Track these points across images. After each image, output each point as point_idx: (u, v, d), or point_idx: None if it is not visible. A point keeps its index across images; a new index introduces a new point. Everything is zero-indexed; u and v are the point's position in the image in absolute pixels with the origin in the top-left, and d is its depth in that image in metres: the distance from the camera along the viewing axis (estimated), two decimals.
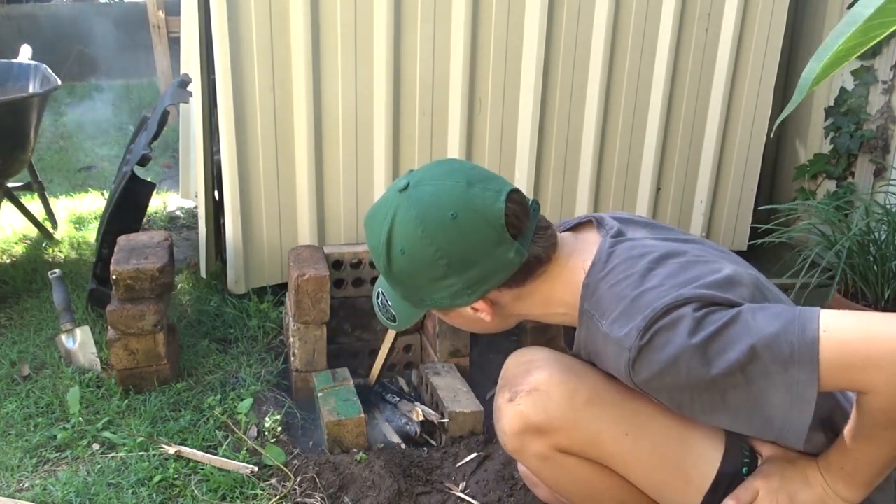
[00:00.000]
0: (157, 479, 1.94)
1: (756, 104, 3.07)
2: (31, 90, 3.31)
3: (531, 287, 1.19)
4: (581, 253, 1.21)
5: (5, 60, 3.56)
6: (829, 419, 1.16)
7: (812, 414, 1.01)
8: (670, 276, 1.09)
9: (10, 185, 3.34)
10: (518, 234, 1.14)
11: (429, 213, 1.11)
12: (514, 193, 1.16)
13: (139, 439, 2.07)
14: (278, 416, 2.15)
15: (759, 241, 2.76)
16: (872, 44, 0.52)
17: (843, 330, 0.98)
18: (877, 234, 2.41)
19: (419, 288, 1.20)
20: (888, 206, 2.47)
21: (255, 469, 1.97)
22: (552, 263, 1.20)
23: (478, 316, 1.23)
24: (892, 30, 0.52)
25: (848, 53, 0.54)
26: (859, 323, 0.98)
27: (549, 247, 1.18)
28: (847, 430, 1.08)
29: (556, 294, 1.20)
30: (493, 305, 1.20)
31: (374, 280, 2.44)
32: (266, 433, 2.10)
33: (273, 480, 1.95)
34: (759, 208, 3.13)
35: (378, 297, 1.34)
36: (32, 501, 1.89)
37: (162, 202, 3.96)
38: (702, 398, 1.04)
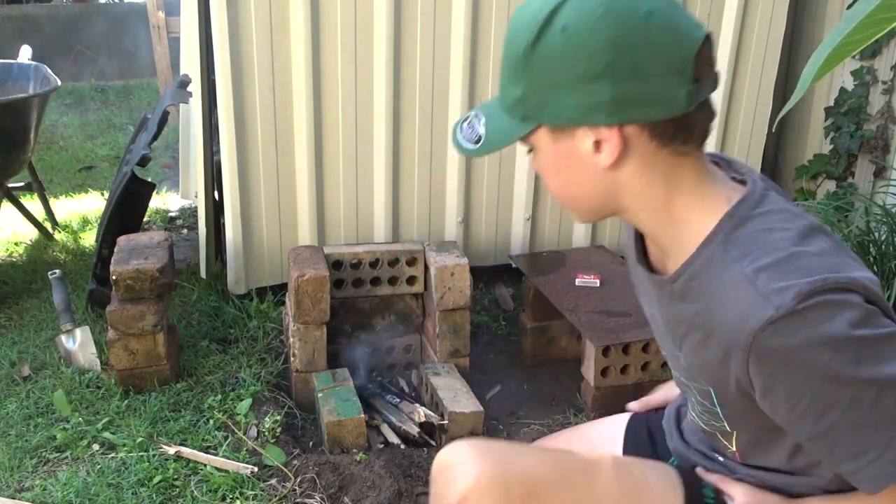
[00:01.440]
0: (157, 479, 1.94)
1: (756, 104, 3.07)
2: (31, 90, 3.31)
3: (667, 159, 0.95)
4: (724, 182, 1.01)
5: (5, 60, 3.56)
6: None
7: None
8: (830, 251, 0.92)
9: (10, 185, 3.34)
10: (700, 80, 0.91)
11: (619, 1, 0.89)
12: (711, 42, 0.94)
13: (139, 440, 2.07)
14: (278, 417, 2.15)
15: None
16: (873, 40, 0.51)
17: None
18: (877, 235, 2.41)
19: (554, 84, 0.91)
20: (888, 207, 2.47)
21: (255, 469, 1.97)
22: (693, 161, 0.97)
23: (593, 159, 0.94)
24: (893, 26, 0.51)
25: (848, 49, 0.53)
26: None
27: (704, 130, 0.96)
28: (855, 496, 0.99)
29: (683, 198, 0.97)
30: (624, 149, 0.93)
31: (373, 280, 2.44)
32: (266, 433, 2.10)
33: (273, 481, 1.95)
34: None
35: (466, 119, 1.05)
36: (32, 502, 1.89)
37: (162, 202, 3.96)
38: (820, 399, 0.89)
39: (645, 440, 1.35)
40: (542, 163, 1.01)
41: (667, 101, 0.91)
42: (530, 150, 1.01)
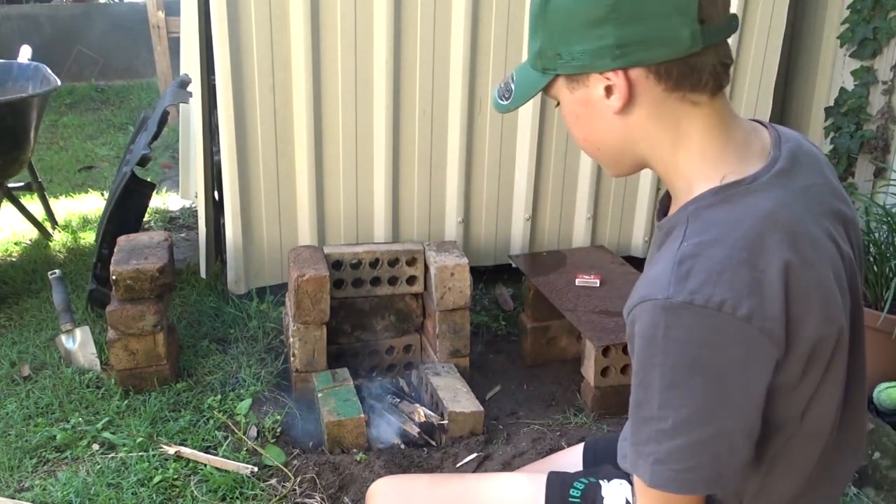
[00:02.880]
0: (157, 479, 1.94)
1: (756, 104, 3.07)
2: (30, 90, 3.31)
3: (676, 106, 0.95)
4: (742, 146, 0.99)
5: (5, 60, 3.56)
6: None
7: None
8: (769, 277, 0.90)
9: (10, 185, 3.34)
10: (707, 21, 0.92)
11: None
12: None
13: (139, 440, 2.07)
14: (278, 417, 2.15)
15: None
16: None
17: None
18: (876, 235, 2.41)
19: (566, 32, 0.95)
20: (888, 207, 2.47)
21: (255, 469, 1.97)
22: (706, 112, 0.96)
23: (605, 104, 0.96)
24: None
25: None
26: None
27: (718, 77, 0.95)
28: None
29: (688, 152, 0.98)
30: (631, 94, 0.95)
31: (373, 280, 2.45)
32: (266, 433, 2.10)
33: (273, 480, 1.95)
34: None
35: (503, 81, 1.12)
36: (32, 502, 1.89)
37: (162, 202, 3.96)
38: (637, 382, 0.95)
39: (601, 460, 1.38)
40: (565, 113, 1.05)
41: (670, 42, 0.91)
42: (557, 104, 1.05)
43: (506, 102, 1.08)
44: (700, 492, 0.91)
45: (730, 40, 3.13)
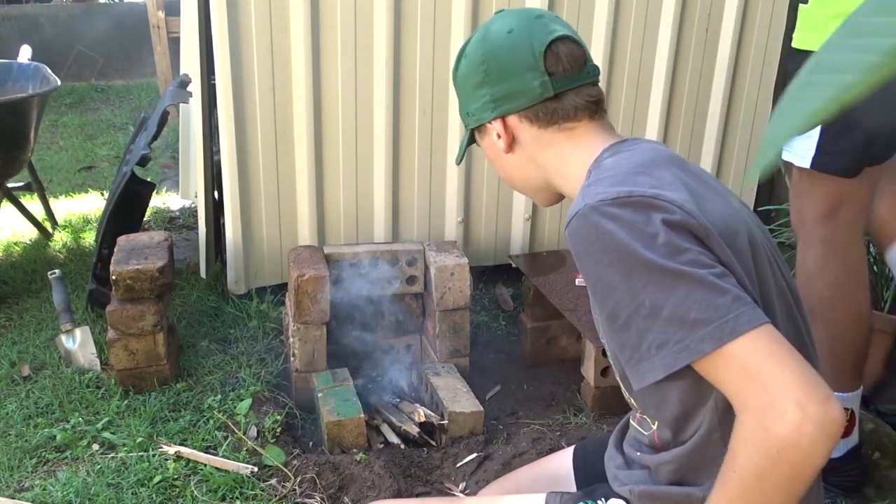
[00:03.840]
0: (157, 479, 1.94)
1: (756, 104, 3.07)
2: (30, 90, 3.31)
3: (553, 137, 1.18)
4: (615, 135, 1.20)
5: (5, 60, 3.56)
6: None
7: (664, 375, 0.94)
8: (666, 178, 1.05)
9: (9, 185, 3.34)
10: (554, 73, 1.15)
11: (494, 26, 1.19)
12: (574, 44, 1.17)
13: (139, 440, 2.07)
14: (278, 417, 2.15)
15: None
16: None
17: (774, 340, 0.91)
18: None
19: (466, 96, 1.24)
20: None
21: (255, 469, 1.97)
22: (583, 129, 1.17)
23: (498, 146, 1.22)
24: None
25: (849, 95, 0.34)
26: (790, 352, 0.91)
27: (585, 109, 1.17)
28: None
29: (577, 158, 1.16)
30: (512, 138, 1.20)
31: (373, 280, 2.45)
32: (266, 433, 2.10)
33: (273, 480, 1.95)
34: (760, 208, 3.13)
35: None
36: (32, 502, 1.89)
37: (162, 202, 3.96)
38: (598, 288, 1.01)
39: (591, 464, 1.40)
40: (487, 158, 1.33)
41: (526, 92, 1.16)
42: None
43: (456, 156, 1.37)
44: (709, 347, 0.91)
45: (730, 40, 3.11)
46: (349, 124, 2.66)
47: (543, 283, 2.52)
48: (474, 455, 2.04)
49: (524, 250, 2.96)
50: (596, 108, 1.19)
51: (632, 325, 0.96)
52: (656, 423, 1.12)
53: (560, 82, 1.15)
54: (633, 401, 1.17)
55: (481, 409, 2.15)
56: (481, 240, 2.96)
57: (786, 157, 1.74)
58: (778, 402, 0.86)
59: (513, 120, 1.19)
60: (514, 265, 2.78)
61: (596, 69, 1.20)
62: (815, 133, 1.65)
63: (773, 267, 1.09)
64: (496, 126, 1.20)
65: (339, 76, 2.60)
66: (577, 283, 2.52)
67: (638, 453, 1.18)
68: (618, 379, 1.16)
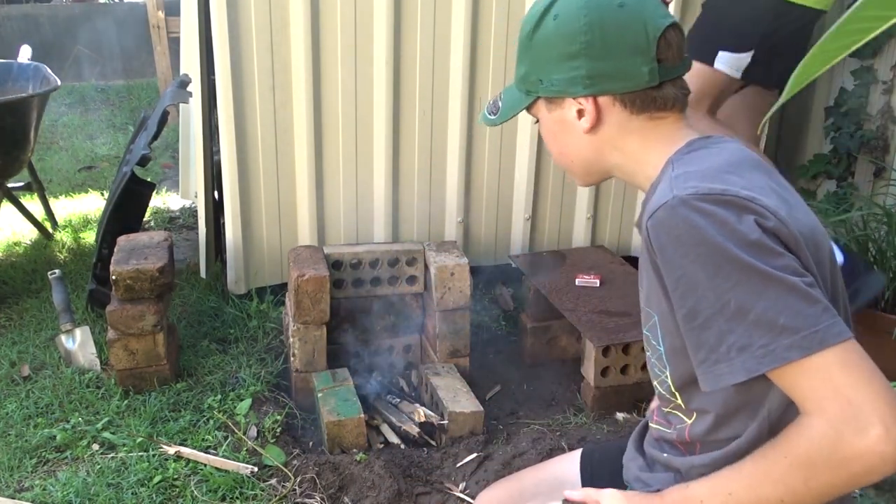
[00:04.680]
0: (157, 479, 1.94)
1: None
2: (30, 90, 3.31)
3: (641, 124, 1.11)
4: (701, 131, 1.15)
5: (5, 60, 3.56)
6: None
7: (744, 379, 0.93)
8: (757, 181, 1.02)
9: (9, 185, 3.34)
10: (663, 60, 1.08)
11: None
12: (681, 33, 1.11)
13: (139, 439, 2.07)
14: (278, 417, 2.15)
15: None
16: (854, 47, 0.49)
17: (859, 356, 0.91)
18: (876, 235, 2.41)
19: (547, 62, 1.13)
20: (888, 207, 2.47)
21: (255, 469, 1.97)
22: (671, 121, 1.12)
23: (577, 124, 1.12)
24: (870, 36, 0.49)
25: (832, 55, 0.51)
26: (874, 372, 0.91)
27: (679, 102, 1.11)
28: (736, 465, 0.99)
29: (657, 151, 1.11)
30: (599, 117, 1.11)
31: (373, 280, 2.45)
32: (266, 433, 2.10)
33: (273, 480, 1.95)
34: None
35: (491, 99, 1.31)
36: (32, 502, 1.89)
37: (162, 202, 3.96)
38: (684, 283, 0.97)
39: (598, 469, 1.38)
40: (543, 129, 1.22)
41: (632, 76, 1.08)
42: (536, 121, 1.21)
43: (493, 117, 1.26)
44: (795, 356, 0.90)
45: None
46: (349, 124, 2.66)
47: (543, 283, 2.52)
48: (474, 455, 2.04)
49: (524, 250, 2.96)
50: (685, 102, 1.13)
51: (713, 324, 0.94)
52: (693, 416, 1.10)
53: (665, 71, 1.09)
54: (673, 395, 1.12)
55: (481, 409, 2.15)
56: (481, 240, 2.96)
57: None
58: (862, 416, 0.87)
59: (605, 101, 1.11)
60: (514, 265, 2.78)
61: (689, 61, 1.15)
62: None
63: (840, 283, 1.07)
64: (585, 104, 1.11)
65: (339, 76, 2.60)
66: (576, 283, 2.52)
67: (665, 455, 1.16)
68: (654, 371, 1.13)
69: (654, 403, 1.33)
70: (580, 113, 1.12)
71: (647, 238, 1.00)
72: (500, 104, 1.26)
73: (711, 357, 0.95)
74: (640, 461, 1.22)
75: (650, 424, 1.21)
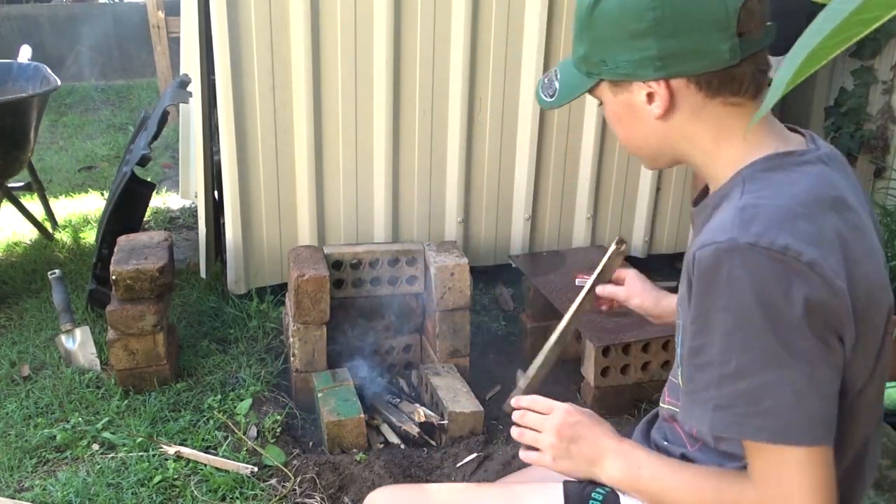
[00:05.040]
0: (157, 479, 1.94)
1: None
2: (30, 90, 3.31)
3: (715, 110, 0.98)
4: (781, 134, 1.03)
5: (5, 60, 3.56)
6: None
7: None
8: (828, 235, 0.92)
9: (10, 185, 3.34)
10: (745, 34, 0.94)
11: None
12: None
13: (139, 439, 2.07)
14: (278, 417, 2.15)
15: None
16: (850, 43, 0.49)
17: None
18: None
19: (610, 41, 1.00)
20: (888, 207, 2.47)
21: (255, 469, 1.97)
22: (748, 110, 0.99)
23: (647, 109, 1.00)
24: (872, 28, 0.49)
25: (826, 53, 0.50)
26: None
27: (757, 83, 0.99)
28: (684, 465, 1.04)
29: (732, 144, 1.00)
30: (672, 102, 0.99)
31: (373, 280, 2.45)
32: (266, 433, 2.10)
33: (273, 480, 1.95)
34: None
35: (546, 77, 1.15)
36: (32, 502, 1.89)
37: (162, 202, 3.95)
38: (701, 323, 0.94)
39: None
40: (607, 113, 1.09)
41: (710, 55, 0.95)
42: (600, 103, 1.09)
43: (550, 100, 1.12)
44: (763, 438, 0.89)
45: None
46: (349, 124, 2.66)
47: (543, 283, 2.52)
48: (474, 455, 2.04)
49: (524, 250, 2.96)
50: (763, 84, 1.00)
51: (708, 370, 0.91)
52: None
53: (748, 45, 0.95)
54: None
55: (481, 409, 2.15)
56: (481, 240, 2.96)
57: None
58: None
59: (679, 83, 0.98)
60: (514, 265, 2.78)
61: (773, 27, 1.00)
62: None
63: (889, 338, 1.02)
64: (656, 88, 0.98)
65: (339, 76, 2.60)
66: (576, 283, 2.51)
67: (665, 442, 1.15)
68: (676, 363, 1.11)
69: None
70: (650, 97, 1.00)
71: (692, 263, 0.93)
72: (556, 84, 1.11)
73: (693, 396, 0.94)
74: (645, 447, 1.22)
75: (661, 405, 1.19)
